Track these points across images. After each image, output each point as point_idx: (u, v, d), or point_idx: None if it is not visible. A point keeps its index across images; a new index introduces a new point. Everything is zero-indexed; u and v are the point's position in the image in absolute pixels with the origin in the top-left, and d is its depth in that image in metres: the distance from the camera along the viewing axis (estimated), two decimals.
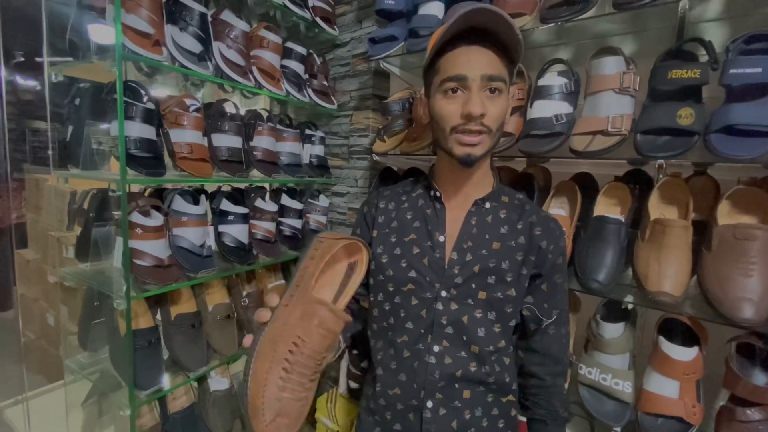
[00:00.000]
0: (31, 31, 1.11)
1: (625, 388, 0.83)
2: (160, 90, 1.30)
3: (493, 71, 0.63)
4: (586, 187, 0.99)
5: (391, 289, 0.74)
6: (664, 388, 0.78)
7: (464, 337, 0.69)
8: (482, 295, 0.69)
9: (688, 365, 0.76)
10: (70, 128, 1.03)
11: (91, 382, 1.10)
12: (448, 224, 0.73)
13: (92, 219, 1.09)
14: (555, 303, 0.72)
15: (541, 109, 0.89)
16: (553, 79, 0.89)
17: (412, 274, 0.72)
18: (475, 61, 0.63)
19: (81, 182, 1.21)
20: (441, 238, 0.72)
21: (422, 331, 0.70)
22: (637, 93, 0.82)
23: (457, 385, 0.70)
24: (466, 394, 0.70)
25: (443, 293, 0.70)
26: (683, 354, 0.77)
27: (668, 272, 0.75)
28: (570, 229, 0.89)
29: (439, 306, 0.70)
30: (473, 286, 0.69)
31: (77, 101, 1.01)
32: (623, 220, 0.83)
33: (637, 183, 0.92)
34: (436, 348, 0.69)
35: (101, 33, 0.93)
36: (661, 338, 0.80)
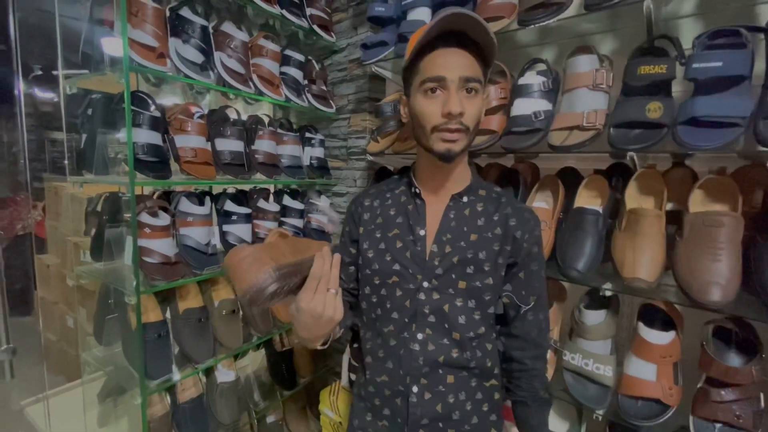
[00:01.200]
0: (47, 45, 1.19)
1: (606, 372, 0.86)
2: (168, 98, 1.38)
3: (470, 73, 0.67)
4: (570, 181, 1.02)
5: (377, 282, 0.78)
6: (642, 371, 0.81)
7: (446, 325, 0.73)
8: (462, 284, 0.73)
9: (665, 348, 0.79)
10: (84, 136, 1.11)
11: (105, 374, 1.18)
12: (429, 218, 0.77)
13: (105, 220, 1.16)
14: (532, 290, 0.76)
15: (522, 107, 0.93)
16: (532, 78, 0.93)
17: (396, 267, 0.76)
18: (453, 63, 0.67)
19: (95, 188, 1.30)
20: (422, 232, 0.76)
21: (407, 320, 0.74)
22: (611, 89, 0.86)
23: (440, 371, 0.74)
24: (450, 379, 0.74)
25: (425, 284, 0.74)
26: (659, 338, 0.80)
27: (643, 259, 0.78)
28: (552, 222, 0.93)
29: (422, 296, 0.74)
30: (453, 276, 0.73)
31: (90, 111, 1.09)
32: (601, 210, 0.87)
33: (620, 176, 0.96)
34: (419, 336, 0.73)
35: (110, 47, 1.01)
36: (640, 324, 0.84)
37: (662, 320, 0.86)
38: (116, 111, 1.03)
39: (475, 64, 0.68)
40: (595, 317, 0.89)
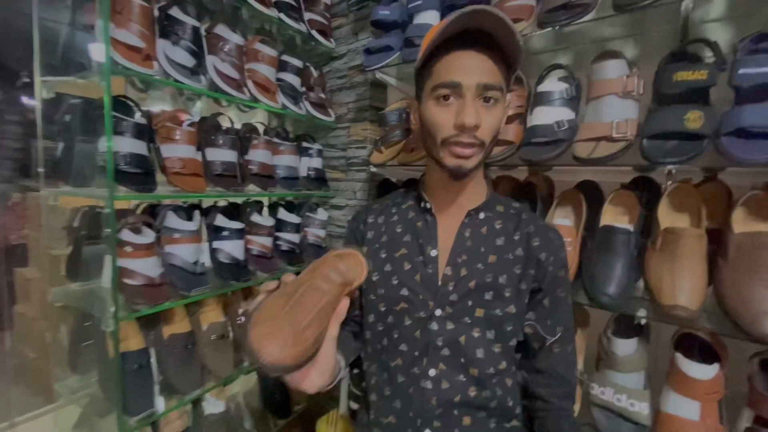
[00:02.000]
0: (28, 50, 1.10)
1: (641, 409, 0.78)
2: (156, 105, 1.29)
3: (490, 79, 0.58)
4: (591, 195, 0.95)
5: (382, 308, 0.69)
6: (684, 409, 0.73)
7: (462, 359, 0.64)
8: (480, 312, 0.64)
9: (709, 384, 0.71)
10: (61, 145, 1.01)
11: (80, 407, 1.06)
12: (441, 237, 0.69)
13: (83, 237, 1.06)
14: (558, 319, 0.67)
15: (542, 116, 0.86)
16: (553, 84, 0.86)
17: (404, 292, 0.67)
18: (470, 68, 0.58)
19: (73, 200, 1.19)
20: (433, 253, 0.68)
21: (417, 353, 0.65)
22: (641, 97, 0.79)
23: (456, 412, 0.64)
24: (467, 421, 0.65)
25: (438, 312, 0.65)
26: (703, 372, 0.72)
27: (683, 284, 0.70)
28: (576, 240, 0.85)
29: (434, 326, 0.65)
30: (470, 303, 0.65)
31: (68, 117, 1.00)
32: (632, 229, 0.79)
33: (644, 190, 0.88)
34: (432, 372, 0.64)
35: (92, 48, 0.92)
36: (679, 355, 0.75)
37: (702, 351, 0.78)
38: (96, 117, 0.93)
39: (497, 68, 0.59)
40: (626, 347, 0.81)
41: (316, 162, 1.53)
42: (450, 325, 0.65)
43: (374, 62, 1.15)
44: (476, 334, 0.64)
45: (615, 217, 0.86)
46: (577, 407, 0.84)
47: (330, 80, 1.58)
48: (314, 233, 1.53)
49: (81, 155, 0.98)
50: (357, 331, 0.80)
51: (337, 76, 1.57)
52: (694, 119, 0.69)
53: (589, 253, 0.83)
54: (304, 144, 1.51)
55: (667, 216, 0.80)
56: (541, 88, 0.87)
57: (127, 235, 0.94)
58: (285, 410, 1.46)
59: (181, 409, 1.15)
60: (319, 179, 1.53)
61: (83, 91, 1.06)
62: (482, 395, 0.64)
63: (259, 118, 1.58)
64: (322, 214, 1.55)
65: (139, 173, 0.95)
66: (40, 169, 1.07)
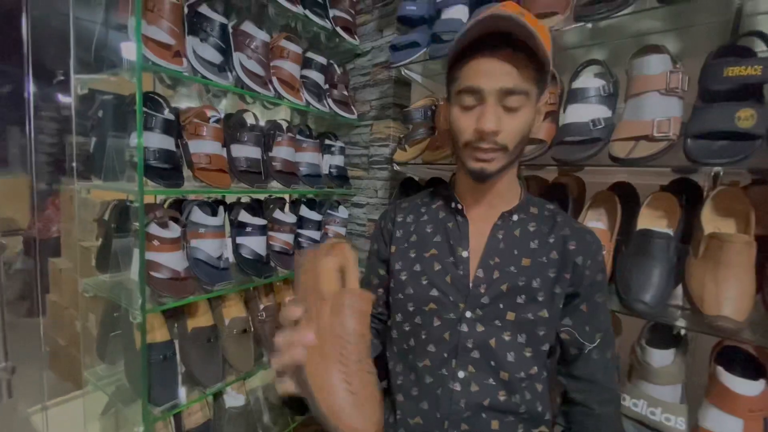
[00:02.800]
0: (64, 48, 1.14)
1: (678, 424, 0.74)
2: (183, 102, 1.31)
3: (513, 83, 0.56)
4: (625, 198, 0.90)
5: (411, 308, 0.69)
6: (726, 426, 0.68)
7: (492, 363, 0.63)
8: (511, 316, 0.63)
9: (754, 401, 0.66)
10: (93, 140, 1.04)
11: (107, 395, 1.09)
12: (472, 239, 0.68)
13: (113, 230, 1.08)
14: (597, 325, 0.65)
15: (576, 114, 0.82)
16: (589, 81, 0.82)
17: (434, 292, 0.67)
18: (493, 73, 0.57)
19: (104, 194, 1.23)
20: (465, 254, 0.67)
21: (446, 355, 0.65)
22: (685, 94, 0.74)
23: (484, 415, 0.63)
24: (495, 424, 0.63)
25: (468, 314, 0.65)
26: (748, 388, 0.67)
27: (728, 294, 0.66)
28: (610, 244, 0.81)
29: (464, 328, 0.64)
30: (501, 306, 0.63)
31: (100, 113, 1.02)
32: (672, 234, 0.75)
33: (684, 193, 0.84)
34: (461, 374, 0.64)
35: (122, 45, 0.93)
36: (720, 369, 0.71)
37: (745, 364, 0.73)
38: (127, 113, 0.95)
39: (523, 71, 0.57)
40: (662, 357, 0.77)
41: (339, 159, 1.53)
42: (480, 328, 0.64)
43: (400, 58, 1.13)
44: (507, 338, 0.63)
45: (653, 220, 0.81)
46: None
47: (353, 77, 1.57)
48: (335, 231, 1.52)
49: (112, 150, 1.00)
50: (380, 328, 0.80)
51: (360, 74, 1.55)
52: (746, 117, 0.64)
53: (624, 259, 0.79)
54: (327, 141, 1.51)
55: (711, 221, 0.75)
56: (576, 84, 0.84)
57: (154, 229, 0.96)
58: (303, 406, 1.46)
59: (203, 401, 1.17)
60: (341, 177, 1.52)
61: (114, 87, 1.08)
62: (512, 400, 0.63)
63: (282, 116, 1.59)
64: (343, 212, 1.54)
65: (167, 168, 0.96)
66: (74, 164, 1.10)
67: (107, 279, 1.10)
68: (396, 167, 1.22)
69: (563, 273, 0.64)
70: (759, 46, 0.70)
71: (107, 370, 1.14)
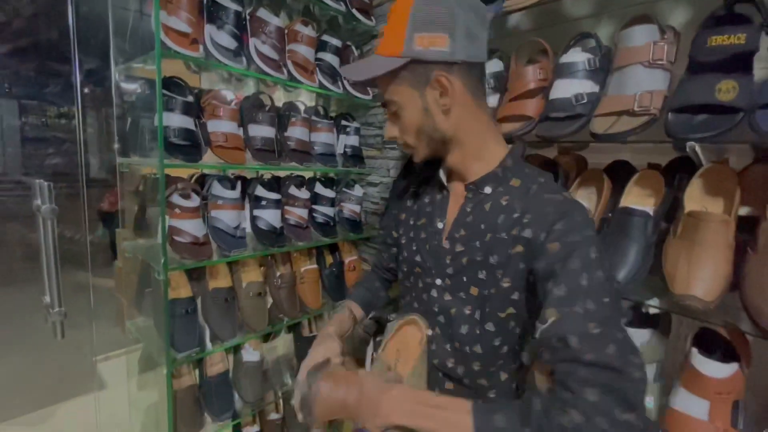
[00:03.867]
0: (106, 37, 1.27)
1: (647, 403, 0.74)
2: (208, 86, 1.43)
3: (386, 97, 0.66)
4: (623, 177, 0.88)
5: (405, 269, 0.79)
6: (692, 407, 0.68)
7: (449, 330, 0.69)
8: (474, 291, 0.65)
9: (722, 383, 0.65)
10: (129, 120, 1.19)
11: (143, 342, 1.27)
12: (450, 210, 0.72)
13: (146, 200, 1.24)
14: (580, 300, 0.51)
15: (562, 89, 0.81)
16: (576, 55, 0.81)
17: (418, 258, 0.75)
18: (380, 90, 0.68)
19: (144, 169, 1.39)
20: (440, 225, 0.72)
21: (423, 313, 0.73)
22: (676, 67, 0.71)
23: (440, 374, 0.70)
24: (449, 385, 0.69)
25: (437, 281, 0.71)
26: (717, 370, 0.66)
27: (700, 273, 0.64)
28: (594, 223, 0.81)
29: (434, 293, 0.71)
30: (464, 279, 0.66)
31: (134, 97, 1.16)
32: (651, 212, 0.73)
33: (680, 172, 0.80)
34: (429, 332, 0.71)
35: (149, 34, 1.05)
36: (694, 350, 0.70)
37: (724, 349, 0.71)
38: (153, 96, 1.08)
39: (387, 87, 0.65)
40: (639, 337, 0.76)
41: (353, 140, 1.59)
42: (447, 297, 0.69)
43: None
44: (467, 311, 0.66)
45: (638, 199, 0.79)
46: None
47: None
48: (350, 208, 1.60)
49: (143, 129, 1.14)
50: (391, 279, 0.96)
51: None
52: (726, 90, 0.61)
53: (603, 237, 0.78)
54: (343, 122, 1.57)
55: (697, 200, 0.72)
56: (564, 59, 0.82)
57: (177, 199, 1.09)
58: None
59: (223, 353, 1.32)
60: (355, 156, 1.59)
61: (147, 73, 1.22)
62: (457, 370, 0.68)
63: (303, 98, 1.67)
64: (358, 190, 1.61)
65: (187, 145, 1.08)
66: (116, 143, 1.27)
67: (143, 242, 1.27)
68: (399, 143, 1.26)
69: (522, 249, 0.60)
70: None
71: (143, 321, 1.32)
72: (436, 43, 0.58)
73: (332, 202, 1.53)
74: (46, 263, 1.06)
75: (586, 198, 0.88)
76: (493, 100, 0.98)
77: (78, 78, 1.40)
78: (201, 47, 1.07)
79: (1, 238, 1.60)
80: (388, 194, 1.57)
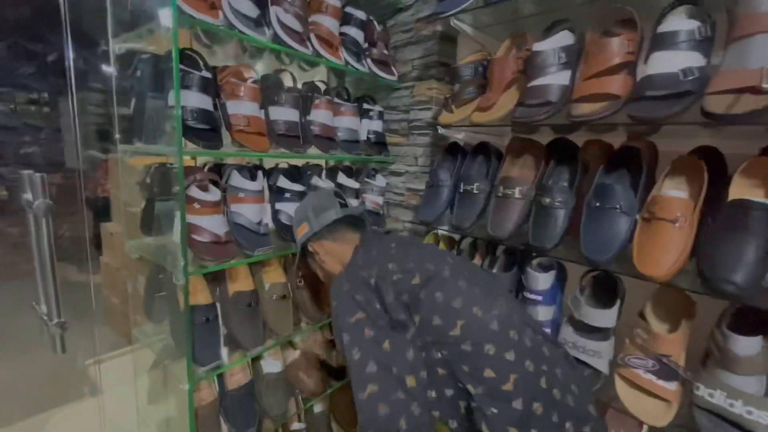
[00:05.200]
0: (103, 13, 1.11)
1: (761, 418, 0.65)
2: (219, 62, 1.26)
3: None
4: (711, 164, 0.78)
5: None
6: None
7: None
8: None
9: None
10: (133, 101, 1.02)
11: (154, 352, 1.13)
12: None
13: (155, 193, 1.09)
14: None
15: (662, 63, 0.70)
16: (680, 22, 0.69)
17: None
18: None
19: (147, 159, 1.23)
20: None
21: None
22: None
23: None
24: None
25: None
26: None
27: None
28: (693, 216, 0.71)
29: None
30: None
31: (138, 73, 1.00)
32: None
33: None
34: None
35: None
36: None
37: None
38: (165, 71, 0.92)
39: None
40: (748, 345, 0.68)
41: (377, 125, 1.46)
42: None
43: (449, 8, 1.02)
44: None
45: (747, 190, 0.70)
46: (673, 409, 0.73)
47: (394, 35, 1.47)
48: (372, 200, 1.47)
49: (151, 111, 0.98)
50: None
51: (402, 30, 1.45)
52: None
53: (710, 233, 0.69)
54: (365, 106, 1.43)
55: None
56: (663, 28, 0.71)
57: (195, 192, 0.95)
58: (340, 373, 1.47)
59: (245, 363, 1.19)
60: (379, 143, 1.46)
61: (152, 46, 1.05)
62: None
63: (318, 78, 1.52)
64: (380, 181, 1.48)
65: (206, 129, 0.93)
66: (117, 133, 1.10)
67: (151, 241, 1.12)
68: (441, 131, 1.14)
69: None
70: None
71: (154, 328, 1.18)
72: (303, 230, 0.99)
73: (356, 194, 1.40)
74: (40, 268, 0.90)
75: (676, 187, 0.78)
76: (562, 77, 0.86)
77: (71, 55, 1.22)
78: (221, 13, 0.91)
79: None
80: (414, 184, 1.45)
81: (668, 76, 0.69)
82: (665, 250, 0.70)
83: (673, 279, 0.71)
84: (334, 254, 0.96)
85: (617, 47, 0.76)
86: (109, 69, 1.10)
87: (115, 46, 1.05)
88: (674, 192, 0.76)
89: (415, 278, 0.73)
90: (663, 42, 0.70)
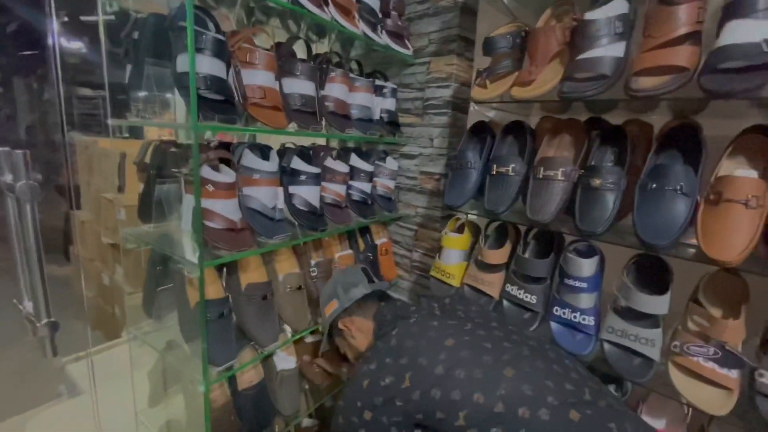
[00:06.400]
0: None
1: None
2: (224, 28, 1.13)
3: None
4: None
5: None
6: None
7: None
8: None
9: None
10: (129, 68, 0.89)
11: (156, 351, 1.02)
12: None
13: (155, 175, 0.96)
14: None
15: (741, 32, 0.65)
16: None
17: None
18: None
19: (127, 143, 1.09)
20: None
21: None
22: None
23: None
24: None
25: None
26: None
27: None
28: (766, 196, 0.67)
29: None
30: None
31: (136, 35, 0.86)
32: None
33: None
34: None
35: None
36: None
37: None
38: (171, 32, 0.79)
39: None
40: None
41: (390, 103, 1.36)
42: None
43: None
44: None
45: None
46: (734, 396, 0.71)
47: (409, 5, 1.37)
48: (384, 183, 1.39)
49: (152, 79, 0.85)
50: None
51: (417, 1, 1.35)
52: None
53: None
54: (377, 82, 1.33)
55: None
56: None
57: (207, 172, 0.83)
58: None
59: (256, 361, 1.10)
60: (391, 123, 1.37)
61: (147, 6, 0.91)
62: None
63: (319, 50, 1.40)
64: (391, 164, 1.40)
65: (221, 101, 0.81)
66: (106, 98, 0.96)
67: (151, 229, 1.00)
68: (474, 107, 1.06)
69: None
70: None
71: (155, 325, 1.06)
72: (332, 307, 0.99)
73: (370, 177, 1.31)
74: (26, 261, 0.77)
75: (741, 167, 0.74)
76: (617, 48, 0.80)
77: (56, 35, 1.05)
78: None
79: None
80: (429, 167, 1.38)
81: (747, 46, 0.64)
82: (736, 233, 0.66)
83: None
84: (365, 330, 0.93)
85: (686, 15, 0.71)
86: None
87: (105, 3, 0.90)
88: (742, 171, 0.72)
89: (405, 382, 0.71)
90: (742, 9, 0.65)
